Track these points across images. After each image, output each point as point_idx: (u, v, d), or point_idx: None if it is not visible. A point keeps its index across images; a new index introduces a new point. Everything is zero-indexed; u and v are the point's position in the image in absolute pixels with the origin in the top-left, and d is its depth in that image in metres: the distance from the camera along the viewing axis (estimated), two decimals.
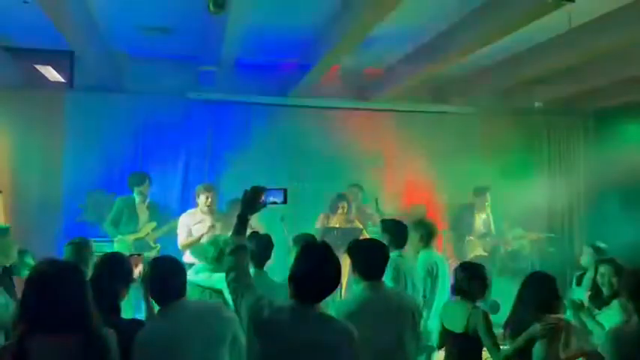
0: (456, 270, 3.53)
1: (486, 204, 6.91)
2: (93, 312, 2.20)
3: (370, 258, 3.04)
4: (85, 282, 2.28)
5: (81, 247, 3.75)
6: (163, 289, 2.66)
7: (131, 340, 2.50)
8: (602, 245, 4.90)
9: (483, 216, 6.94)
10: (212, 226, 5.68)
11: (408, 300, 3.20)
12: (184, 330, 2.56)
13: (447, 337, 3.44)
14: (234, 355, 2.74)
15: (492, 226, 6.94)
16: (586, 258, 4.77)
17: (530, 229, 7.25)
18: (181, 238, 5.72)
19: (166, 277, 2.66)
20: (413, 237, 4.42)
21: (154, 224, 6.14)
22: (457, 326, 3.30)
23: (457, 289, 3.44)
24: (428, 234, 4.48)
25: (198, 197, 5.84)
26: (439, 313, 3.65)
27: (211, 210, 5.81)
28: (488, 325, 3.23)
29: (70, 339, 2.13)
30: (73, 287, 2.20)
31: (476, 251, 6.72)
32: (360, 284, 3.03)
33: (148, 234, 6.08)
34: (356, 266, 3.06)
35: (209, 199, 5.78)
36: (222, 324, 2.68)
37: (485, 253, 6.71)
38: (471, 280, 3.38)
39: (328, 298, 2.43)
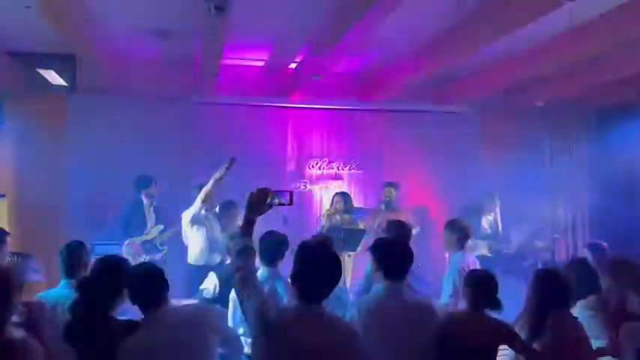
0: (465, 281, 3.26)
1: (494, 206, 6.88)
2: None
3: (393, 258, 3.01)
4: None
5: (75, 250, 3.57)
6: (145, 296, 2.67)
7: (121, 340, 2.52)
8: (602, 244, 4.86)
9: (490, 217, 6.91)
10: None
11: (428, 303, 3.11)
12: (168, 338, 2.57)
13: (457, 352, 3.04)
14: (230, 350, 2.77)
15: (500, 228, 6.90)
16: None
17: (533, 229, 7.23)
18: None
19: (147, 284, 2.67)
20: (449, 238, 4.47)
21: (161, 227, 6.20)
22: (474, 340, 2.96)
23: (469, 301, 3.14)
24: (464, 235, 4.48)
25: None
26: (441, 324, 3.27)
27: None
28: (510, 328, 3.03)
29: None
30: None
31: (480, 251, 6.68)
32: (380, 284, 3.01)
33: (155, 236, 6.13)
34: (378, 265, 3.04)
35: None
36: (207, 327, 2.70)
37: (489, 255, 6.67)
38: (480, 291, 3.11)
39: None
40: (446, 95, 7.82)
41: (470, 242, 6.66)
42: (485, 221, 6.91)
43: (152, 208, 6.29)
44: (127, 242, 5.99)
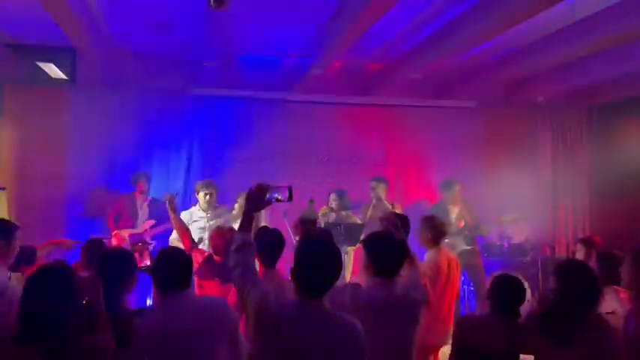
0: (494, 283, 3.06)
1: (456, 195, 6.69)
2: (64, 322, 2.09)
3: (386, 254, 2.94)
4: (63, 289, 2.16)
5: (97, 245, 3.63)
6: (166, 279, 2.68)
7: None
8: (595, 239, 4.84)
9: (456, 210, 6.80)
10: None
11: (418, 300, 3.04)
12: (182, 322, 2.58)
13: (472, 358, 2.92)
14: (234, 357, 2.74)
15: (468, 217, 6.64)
16: (581, 253, 4.68)
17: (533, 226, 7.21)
18: (175, 235, 5.51)
19: (170, 267, 2.69)
20: (424, 235, 4.37)
21: (152, 221, 6.24)
22: (494, 345, 2.82)
23: (496, 304, 2.97)
24: (437, 233, 4.38)
25: (198, 194, 5.91)
26: (457, 329, 3.13)
27: (211, 207, 5.90)
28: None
29: (32, 352, 2.01)
30: (47, 294, 2.10)
31: (459, 247, 6.60)
32: (372, 279, 2.95)
33: (145, 230, 6.15)
34: (370, 261, 2.96)
35: (207, 197, 5.86)
36: (221, 321, 2.70)
37: (469, 247, 6.53)
38: (512, 295, 2.96)
39: None
40: (446, 90, 7.80)
41: (447, 240, 6.64)
42: (454, 214, 6.72)
43: (146, 203, 6.38)
44: (113, 234, 5.98)
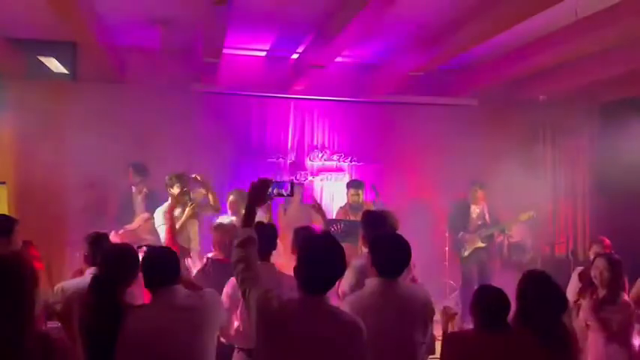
0: (477, 297, 2.90)
1: (479, 196, 6.77)
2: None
3: (390, 255, 2.88)
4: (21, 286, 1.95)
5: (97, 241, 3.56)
6: (153, 276, 2.68)
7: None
8: (606, 240, 4.83)
9: (477, 210, 6.85)
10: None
11: (422, 298, 2.99)
12: (171, 318, 2.58)
13: None
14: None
15: (487, 217, 6.76)
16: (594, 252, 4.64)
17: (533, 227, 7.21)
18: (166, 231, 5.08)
19: (157, 264, 2.69)
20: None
21: (147, 215, 5.84)
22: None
23: (481, 318, 2.81)
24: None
25: (172, 188, 5.30)
26: (447, 346, 2.93)
27: (184, 200, 5.37)
28: None
29: None
30: None
31: (474, 244, 6.66)
32: (375, 279, 2.90)
33: (140, 225, 6.03)
34: (374, 261, 2.92)
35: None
36: (212, 312, 2.71)
37: (483, 245, 6.63)
38: (496, 308, 2.79)
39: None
40: (448, 87, 7.79)
41: (466, 236, 6.68)
42: (474, 213, 6.81)
43: (141, 197, 6.24)
44: (112, 233, 5.89)
